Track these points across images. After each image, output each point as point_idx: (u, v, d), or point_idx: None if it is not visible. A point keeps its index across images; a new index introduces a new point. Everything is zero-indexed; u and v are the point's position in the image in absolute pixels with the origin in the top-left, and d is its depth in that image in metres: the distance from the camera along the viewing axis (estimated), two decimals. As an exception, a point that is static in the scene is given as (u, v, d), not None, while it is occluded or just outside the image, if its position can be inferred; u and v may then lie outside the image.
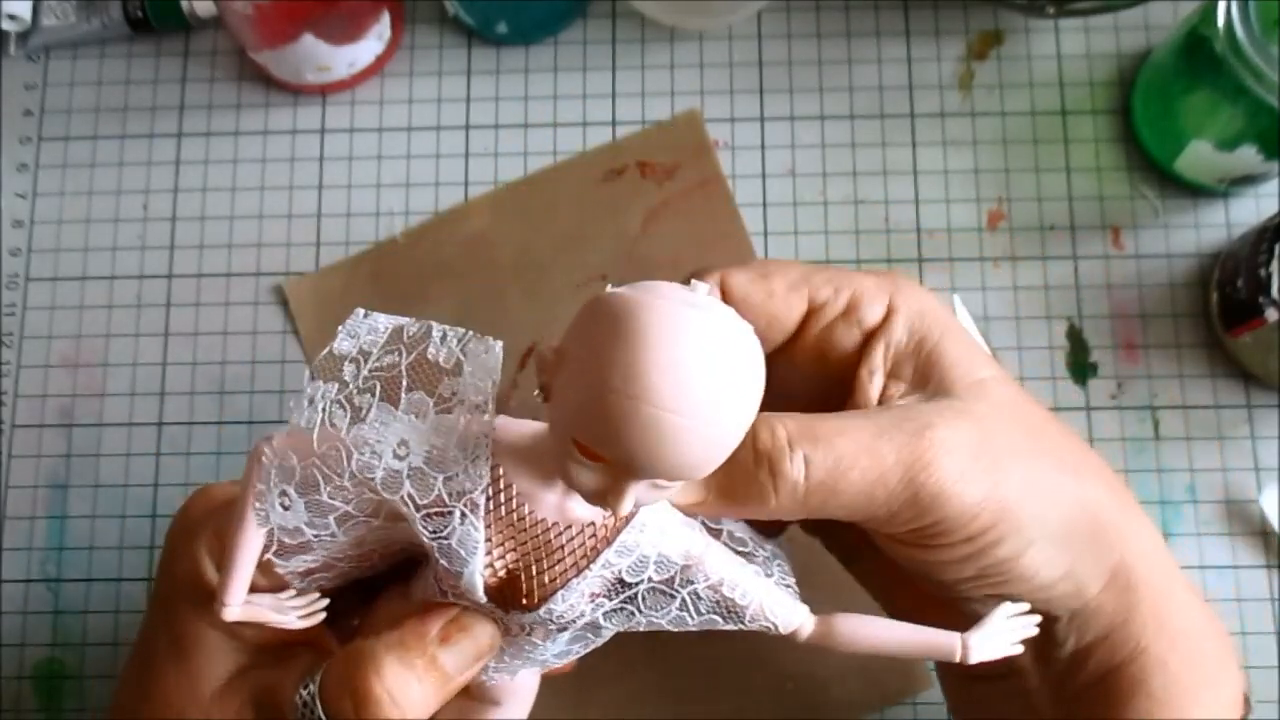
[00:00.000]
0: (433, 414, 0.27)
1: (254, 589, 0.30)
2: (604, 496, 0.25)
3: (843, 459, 0.28)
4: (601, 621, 0.29)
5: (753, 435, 0.28)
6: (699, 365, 0.23)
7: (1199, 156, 0.46)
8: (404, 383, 0.27)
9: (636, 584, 0.28)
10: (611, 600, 0.29)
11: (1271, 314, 0.43)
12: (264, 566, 0.29)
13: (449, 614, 0.29)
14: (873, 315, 0.31)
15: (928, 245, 0.49)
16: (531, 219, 0.50)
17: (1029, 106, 0.51)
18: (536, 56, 0.52)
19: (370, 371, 0.27)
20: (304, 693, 0.29)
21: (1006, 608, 0.28)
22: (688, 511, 0.30)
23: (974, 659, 0.27)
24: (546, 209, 0.50)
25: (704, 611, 0.29)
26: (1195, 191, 0.49)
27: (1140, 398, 0.47)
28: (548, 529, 0.28)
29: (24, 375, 0.49)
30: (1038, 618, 0.28)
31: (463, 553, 0.27)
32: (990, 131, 0.50)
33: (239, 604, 0.29)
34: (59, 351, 0.50)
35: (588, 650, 0.32)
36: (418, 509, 0.27)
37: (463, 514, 0.27)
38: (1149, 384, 0.48)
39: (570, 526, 0.28)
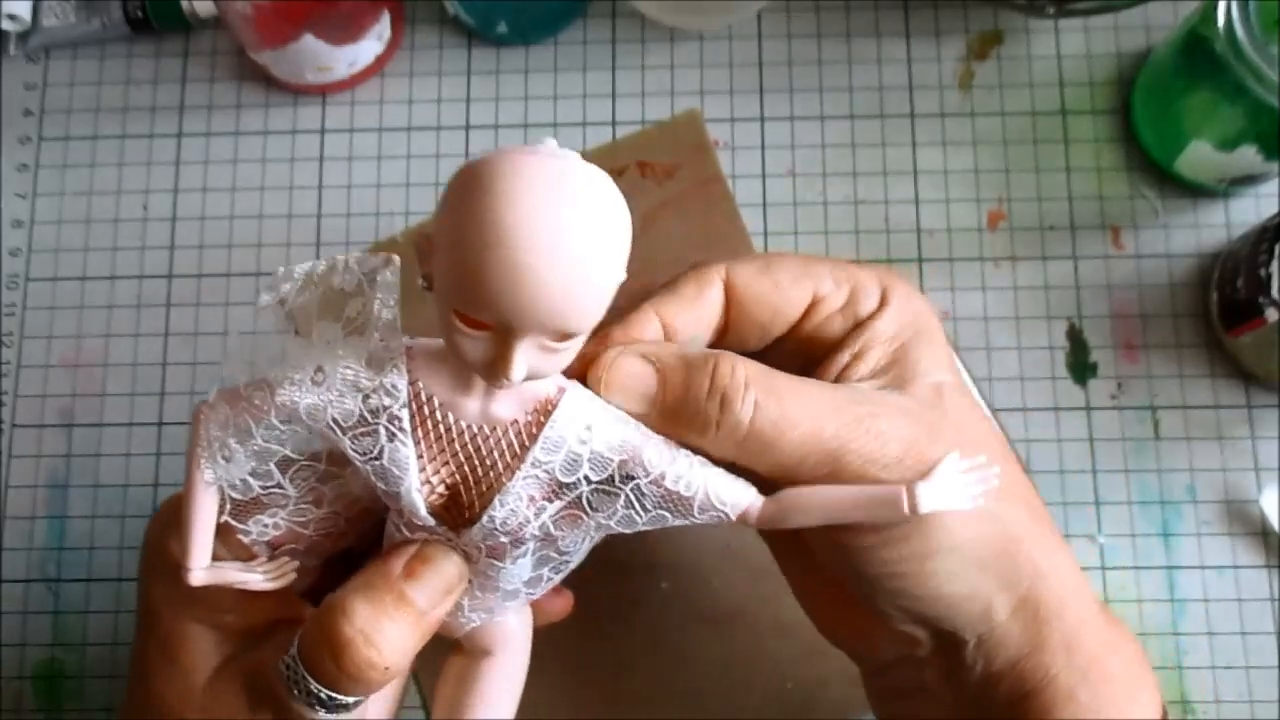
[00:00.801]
0: (343, 338, 0.27)
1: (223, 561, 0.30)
2: (495, 366, 0.25)
3: (788, 416, 0.28)
4: (553, 530, 0.29)
5: (713, 366, 0.28)
6: (549, 206, 0.23)
7: (1199, 156, 0.46)
8: (316, 315, 0.27)
9: (575, 484, 0.28)
10: (554, 504, 0.28)
11: (1271, 314, 0.43)
12: (232, 541, 0.30)
13: (411, 550, 0.29)
14: (866, 307, 0.32)
15: (928, 245, 0.49)
16: (531, 219, 0.50)
17: (1029, 106, 0.51)
18: (536, 56, 0.52)
19: (288, 314, 0.28)
20: (286, 658, 0.29)
21: (954, 456, 0.27)
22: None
23: (923, 509, 0.26)
24: (546, 209, 0.50)
25: (650, 508, 0.28)
26: (1195, 191, 0.49)
27: (1140, 398, 0.47)
28: (474, 435, 0.28)
29: (24, 375, 0.49)
30: (996, 468, 0.27)
31: (395, 470, 0.27)
32: (990, 131, 0.50)
33: (202, 567, 0.29)
34: (59, 351, 0.50)
35: (560, 575, 0.31)
36: (344, 432, 0.27)
37: (388, 430, 0.27)
38: (1149, 384, 0.48)
39: (495, 428, 0.27)
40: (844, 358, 0.31)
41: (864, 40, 0.52)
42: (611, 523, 0.28)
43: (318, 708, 0.29)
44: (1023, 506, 0.30)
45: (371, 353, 0.27)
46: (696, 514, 0.28)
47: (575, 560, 0.31)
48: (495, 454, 0.28)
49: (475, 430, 0.28)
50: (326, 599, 0.29)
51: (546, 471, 0.28)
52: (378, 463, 0.27)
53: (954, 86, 0.51)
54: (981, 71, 0.51)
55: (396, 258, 0.27)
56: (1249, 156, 0.45)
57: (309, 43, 0.48)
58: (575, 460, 0.28)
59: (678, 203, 0.50)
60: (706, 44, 0.52)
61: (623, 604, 0.46)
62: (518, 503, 0.28)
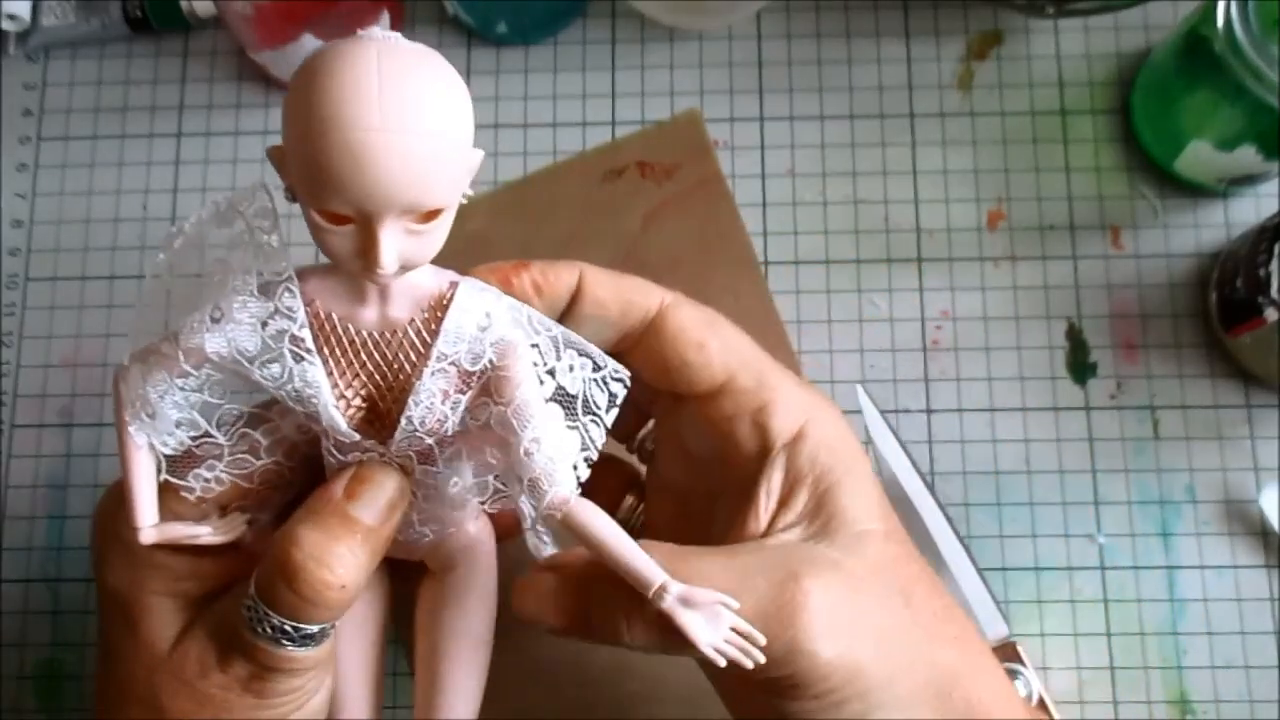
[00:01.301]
0: (231, 275, 0.28)
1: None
2: (366, 257, 0.25)
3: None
4: (470, 422, 0.29)
5: (618, 577, 0.28)
6: (375, 81, 0.24)
7: (1199, 156, 0.46)
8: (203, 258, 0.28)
9: (481, 372, 0.28)
10: (466, 395, 0.28)
11: (1271, 314, 0.43)
12: (182, 508, 0.30)
13: (349, 472, 0.30)
14: (779, 429, 0.31)
15: (927, 245, 0.49)
16: (531, 219, 0.50)
17: (1029, 106, 0.51)
18: (536, 56, 0.52)
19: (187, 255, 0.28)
20: (246, 599, 0.29)
21: (724, 597, 0.27)
22: (553, 631, 0.31)
23: (662, 604, 0.27)
24: (546, 209, 0.50)
25: (548, 396, 0.29)
26: (1195, 191, 0.49)
27: (1140, 398, 0.47)
28: (378, 342, 0.28)
29: (24, 375, 0.49)
30: (759, 654, 0.27)
31: (309, 390, 0.28)
32: (990, 131, 0.50)
33: (150, 524, 0.30)
34: (59, 351, 0.50)
35: (509, 504, 0.31)
36: (251, 363, 0.28)
37: (292, 352, 0.27)
38: (1149, 384, 0.48)
39: (396, 331, 0.28)
40: (770, 504, 0.31)
41: (864, 40, 0.52)
42: (510, 412, 0.28)
43: (285, 642, 0.29)
44: (955, 647, 0.31)
45: (261, 280, 0.27)
46: (582, 411, 0.29)
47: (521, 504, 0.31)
48: (401, 356, 0.28)
49: (378, 337, 0.28)
50: (275, 533, 0.30)
51: (453, 364, 0.28)
52: (290, 386, 0.28)
53: (954, 86, 0.51)
54: (981, 71, 0.51)
55: (265, 184, 0.28)
56: (1249, 156, 0.45)
57: (309, 43, 0.48)
58: (479, 348, 0.28)
59: (678, 203, 0.50)
60: (706, 44, 0.52)
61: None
62: (431, 399, 0.28)
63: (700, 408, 0.32)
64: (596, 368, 0.29)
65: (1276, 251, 0.43)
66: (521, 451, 0.28)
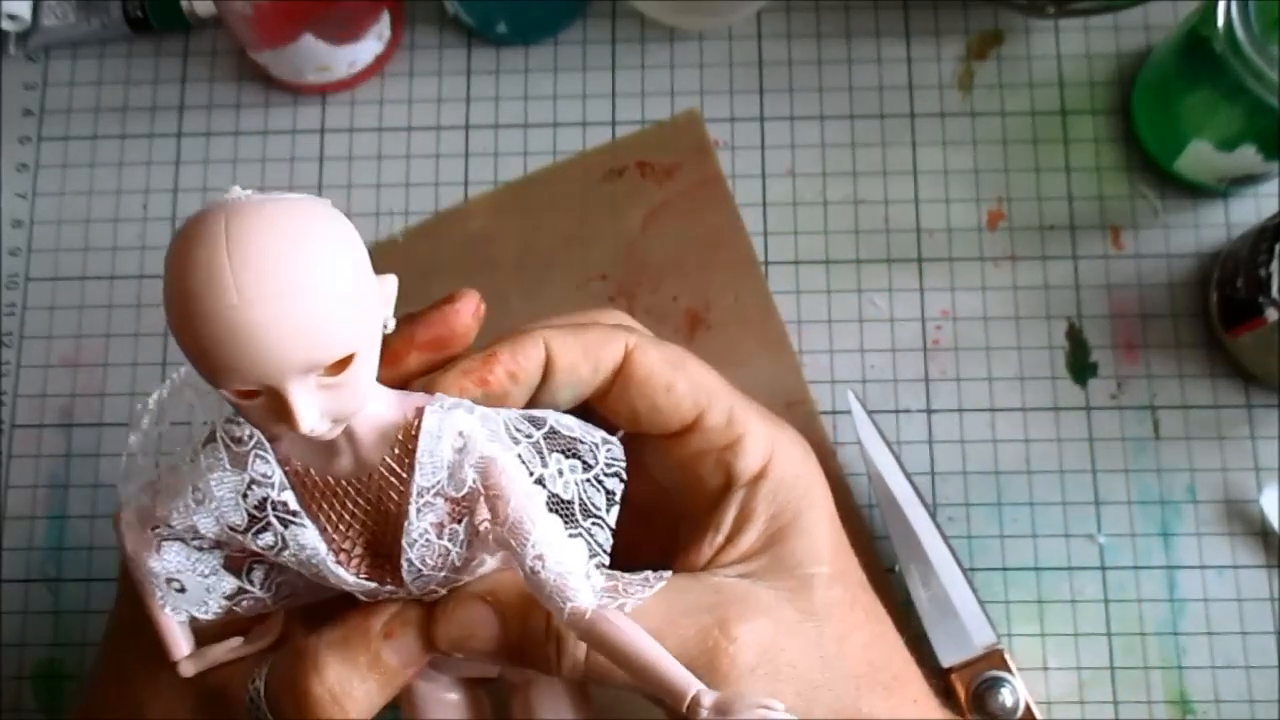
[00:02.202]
0: (201, 451, 0.27)
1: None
2: (285, 420, 0.24)
3: None
4: (474, 549, 0.28)
5: (545, 609, 0.28)
6: (226, 251, 0.22)
7: (1199, 156, 0.46)
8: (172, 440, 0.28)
9: (469, 496, 0.27)
10: (463, 522, 0.27)
11: (1271, 314, 0.43)
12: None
13: (393, 609, 0.29)
14: (744, 467, 0.31)
15: (927, 245, 0.49)
16: (531, 219, 0.50)
17: (1029, 106, 0.51)
18: (536, 56, 0.52)
19: (155, 445, 0.28)
20: (251, 688, 0.29)
21: (766, 703, 0.25)
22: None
23: (701, 717, 0.25)
24: (546, 209, 0.50)
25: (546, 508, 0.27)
26: (1195, 191, 0.49)
27: (1140, 398, 0.47)
28: (357, 488, 0.27)
29: (24, 375, 0.49)
30: None
31: (307, 552, 0.27)
32: (990, 131, 0.50)
33: (186, 655, 0.29)
34: (59, 351, 0.50)
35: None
36: (244, 534, 0.27)
37: (279, 518, 0.26)
38: (1149, 384, 0.48)
39: (371, 474, 0.27)
40: (718, 539, 0.31)
41: (864, 40, 0.52)
42: (509, 535, 0.27)
43: None
44: (881, 695, 0.31)
45: (230, 454, 0.26)
46: (582, 518, 0.28)
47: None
48: (383, 497, 0.27)
49: (358, 483, 0.27)
50: (299, 642, 0.29)
51: (438, 495, 0.27)
52: (287, 552, 0.27)
53: (954, 86, 0.51)
54: (981, 71, 0.51)
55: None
56: (1249, 156, 0.45)
57: (309, 43, 0.48)
58: (460, 472, 0.26)
59: (678, 203, 0.50)
60: (706, 44, 0.52)
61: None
62: (425, 537, 0.27)
63: (668, 445, 0.32)
64: (587, 467, 0.28)
65: (1277, 251, 0.43)
66: (528, 570, 0.26)
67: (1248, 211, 0.49)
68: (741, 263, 0.49)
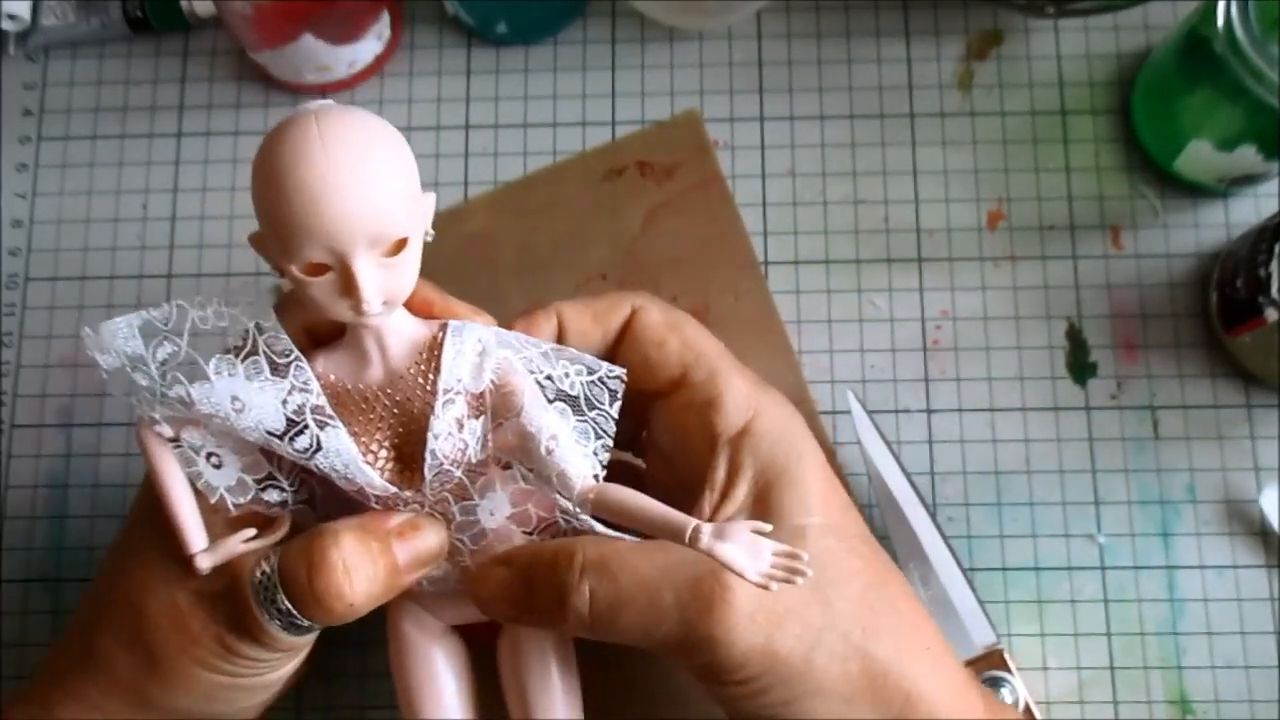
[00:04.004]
0: (239, 363, 0.29)
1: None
2: (350, 296, 0.28)
3: (621, 596, 0.30)
4: (491, 448, 0.31)
5: (553, 562, 0.31)
6: (318, 134, 0.27)
7: (1199, 156, 0.46)
8: (197, 357, 0.30)
9: (486, 393, 0.30)
10: (480, 419, 0.31)
11: (1271, 314, 0.43)
12: (224, 518, 0.31)
13: (406, 516, 0.32)
14: (724, 424, 0.33)
15: (927, 245, 0.49)
16: (531, 219, 0.50)
17: (1029, 106, 0.51)
18: (536, 56, 0.52)
19: (159, 369, 0.30)
20: (259, 570, 0.31)
21: (757, 527, 0.28)
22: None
23: (701, 547, 0.28)
24: (546, 209, 0.50)
25: (552, 398, 0.31)
26: (1195, 191, 0.49)
27: (1140, 397, 0.47)
28: (389, 394, 0.31)
29: (24, 375, 0.49)
30: (806, 570, 0.28)
31: (337, 453, 0.30)
32: (990, 131, 0.50)
33: (202, 548, 0.31)
34: (59, 351, 0.50)
35: (545, 502, 0.33)
36: (281, 439, 0.29)
37: (316, 420, 0.29)
38: (1149, 384, 0.48)
39: (402, 378, 0.30)
40: (713, 497, 0.32)
41: (864, 40, 0.52)
42: (523, 420, 0.30)
43: (276, 619, 0.30)
44: (889, 639, 0.32)
45: (271, 364, 0.30)
46: (588, 409, 0.31)
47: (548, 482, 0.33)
48: (411, 400, 0.31)
49: (389, 390, 0.31)
50: (319, 526, 0.31)
51: (459, 393, 0.30)
52: (320, 453, 0.29)
53: (954, 86, 0.51)
54: (981, 71, 0.51)
55: (257, 280, 0.31)
56: (1249, 156, 0.45)
57: (308, 43, 0.48)
58: (479, 373, 0.30)
59: (678, 203, 0.50)
60: (706, 44, 0.52)
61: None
62: (448, 431, 0.30)
63: (662, 404, 0.34)
64: (591, 371, 0.31)
65: (1276, 251, 0.43)
66: (543, 451, 0.30)
67: (1248, 211, 0.49)
68: (741, 263, 0.49)
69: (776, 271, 0.49)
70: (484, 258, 0.50)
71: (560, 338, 0.33)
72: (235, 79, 0.52)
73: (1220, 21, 0.41)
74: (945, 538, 0.44)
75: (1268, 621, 0.45)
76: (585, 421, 0.31)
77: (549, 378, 0.31)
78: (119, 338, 0.30)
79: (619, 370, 0.32)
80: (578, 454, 0.30)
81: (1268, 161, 0.45)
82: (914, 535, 0.44)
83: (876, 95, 0.51)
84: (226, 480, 0.31)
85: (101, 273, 0.50)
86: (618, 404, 0.31)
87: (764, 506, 0.32)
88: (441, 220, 0.50)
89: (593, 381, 0.31)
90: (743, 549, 0.28)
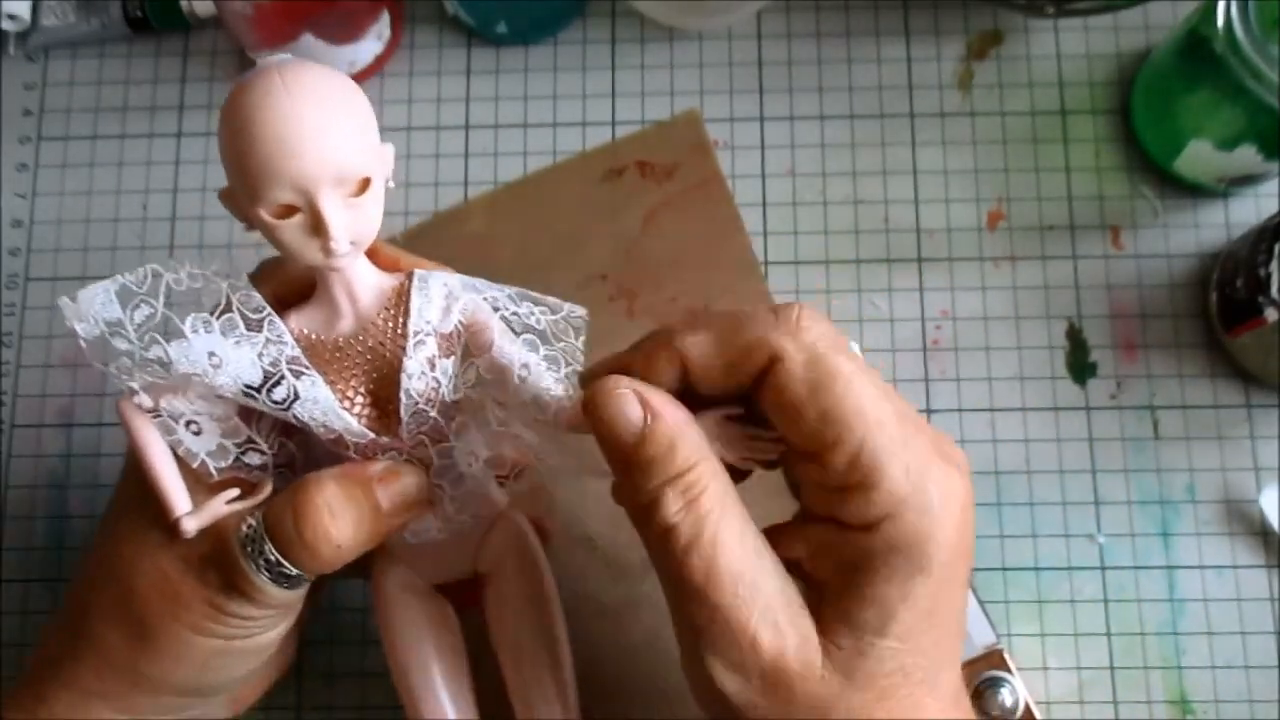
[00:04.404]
0: (215, 320, 0.30)
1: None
2: (318, 235, 0.29)
3: (715, 565, 0.28)
4: (463, 388, 0.32)
5: (692, 464, 0.28)
6: (280, 80, 0.28)
7: (1199, 156, 0.46)
8: (173, 318, 0.30)
9: (456, 334, 0.31)
10: (451, 358, 0.32)
11: (1271, 314, 0.43)
12: (206, 485, 0.32)
13: (385, 463, 0.32)
14: (867, 513, 0.28)
15: (927, 245, 0.49)
16: (531, 219, 0.50)
17: (1029, 106, 0.51)
18: (536, 56, 0.52)
19: (137, 331, 0.30)
20: (245, 525, 0.31)
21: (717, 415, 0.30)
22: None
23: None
24: (546, 209, 0.50)
25: (519, 331, 0.32)
26: (1195, 191, 0.49)
27: (1140, 398, 0.47)
28: (361, 341, 0.31)
29: (24, 375, 0.49)
30: (772, 448, 0.29)
31: (315, 402, 0.30)
32: (990, 131, 0.50)
33: (186, 510, 0.31)
34: (59, 351, 0.50)
35: (519, 443, 0.33)
36: (259, 391, 0.30)
37: (292, 371, 0.30)
38: (1149, 384, 0.48)
39: (372, 324, 0.31)
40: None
41: (864, 40, 0.52)
42: (495, 354, 0.31)
43: (265, 572, 0.31)
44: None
45: (246, 320, 0.30)
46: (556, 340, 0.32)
47: (518, 430, 0.33)
48: (384, 344, 0.31)
49: (360, 338, 0.31)
50: (304, 477, 0.31)
51: (429, 334, 0.31)
52: (298, 403, 0.30)
53: (953, 86, 0.51)
54: (981, 71, 0.51)
55: (228, 250, 0.32)
56: (1249, 156, 0.45)
57: (309, 43, 0.48)
58: (446, 313, 0.31)
59: (678, 203, 0.50)
60: (706, 44, 0.52)
61: (623, 604, 0.46)
62: (421, 370, 0.31)
63: (803, 468, 0.30)
64: (554, 310, 0.32)
65: (1276, 251, 0.43)
66: (516, 380, 0.31)
67: (1248, 211, 0.49)
68: (741, 263, 0.49)
69: (776, 271, 0.49)
70: (484, 258, 0.50)
71: (686, 380, 0.30)
72: (235, 79, 0.52)
73: (1220, 21, 0.41)
74: None
75: (1268, 621, 0.45)
76: (554, 351, 0.32)
77: (515, 314, 0.32)
78: (96, 303, 0.30)
79: (580, 310, 0.32)
80: (549, 378, 0.31)
81: (1268, 161, 0.45)
82: None
83: (876, 95, 0.51)
84: (206, 446, 0.31)
85: (101, 273, 0.50)
86: (583, 338, 0.33)
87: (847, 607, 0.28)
88: (441, 220, 0.50)
89: (557, 319, 0.32)
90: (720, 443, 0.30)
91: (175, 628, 0.32)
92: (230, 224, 0.51)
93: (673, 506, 0.28)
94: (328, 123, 0.28)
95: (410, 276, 0.32)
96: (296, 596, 0.33)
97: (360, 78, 0.51)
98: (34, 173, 0.52)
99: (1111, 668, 0.45)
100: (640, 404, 0.29)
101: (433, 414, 0.31)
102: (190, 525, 0.31)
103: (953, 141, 0.50)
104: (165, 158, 0.52)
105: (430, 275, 0.32)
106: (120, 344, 0.30)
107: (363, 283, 0.31)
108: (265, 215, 0.29)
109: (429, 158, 0.51)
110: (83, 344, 0.30)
